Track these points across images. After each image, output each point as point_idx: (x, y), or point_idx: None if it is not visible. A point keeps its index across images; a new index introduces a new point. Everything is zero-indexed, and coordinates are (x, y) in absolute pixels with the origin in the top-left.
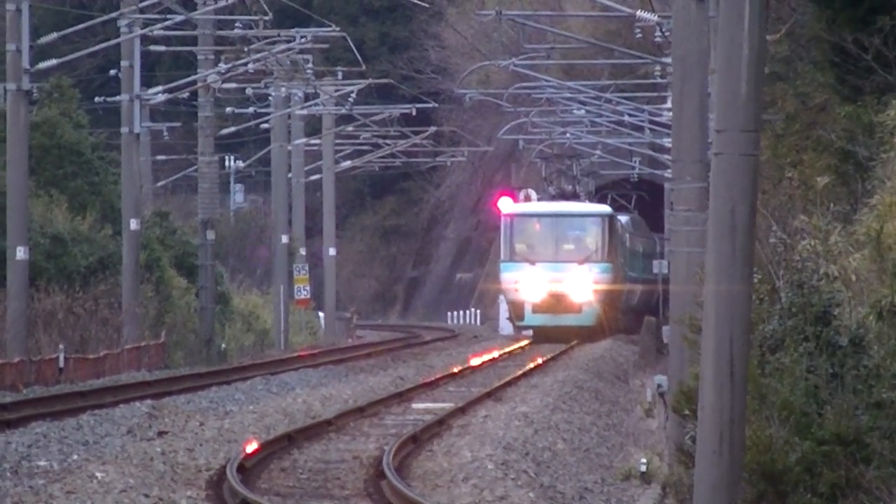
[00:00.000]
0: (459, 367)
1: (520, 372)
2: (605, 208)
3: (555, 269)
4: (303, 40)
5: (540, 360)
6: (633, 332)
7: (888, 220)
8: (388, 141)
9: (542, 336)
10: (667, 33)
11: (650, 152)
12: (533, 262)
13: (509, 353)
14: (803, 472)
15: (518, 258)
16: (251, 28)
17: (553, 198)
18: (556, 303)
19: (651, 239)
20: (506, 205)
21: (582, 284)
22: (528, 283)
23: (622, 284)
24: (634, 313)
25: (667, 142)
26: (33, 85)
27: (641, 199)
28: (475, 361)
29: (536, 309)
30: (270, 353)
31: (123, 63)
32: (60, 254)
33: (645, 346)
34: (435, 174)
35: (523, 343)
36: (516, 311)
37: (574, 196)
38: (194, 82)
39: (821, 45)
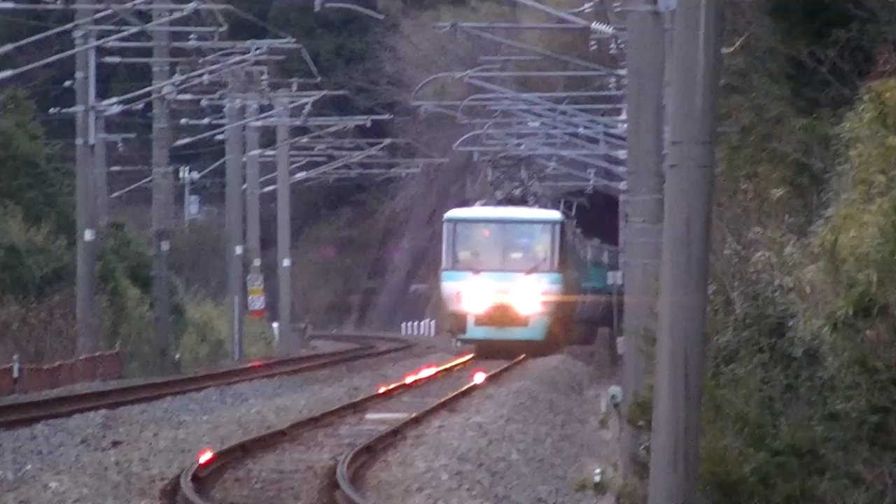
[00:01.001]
0: (414, 378)
1: (473, 383)
2: (555, 214)
3: (500, 278)
4: (258, 52)
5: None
6: (586, 343)
7: (843, 232)
8: (343, 152)
9: (486, 350)
10: (622, 45)
11: (605, 164)
12: (477, 272)
13: (452, 368)
14: (758, 484)
15: (461, 267)
16: (206, 40)
17: (500, 203)
18: (501, 315)
19: (599, 247)
20: (450, 210)
21: (529, 296)
22: (471, 293)
23: (573, 296)
24: (586, 324)
25: (622, 154)
26: None
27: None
28: (427, 372)
29: (480, 321)
30: (225, 363)
31: (78, 74)
32: (15, 264)
33: (599, 357)
34: (390, 186)
35: (465, 358)
36: (458, 324)
37: (522, 202)
38: (149, 94)
39: (777, 58)
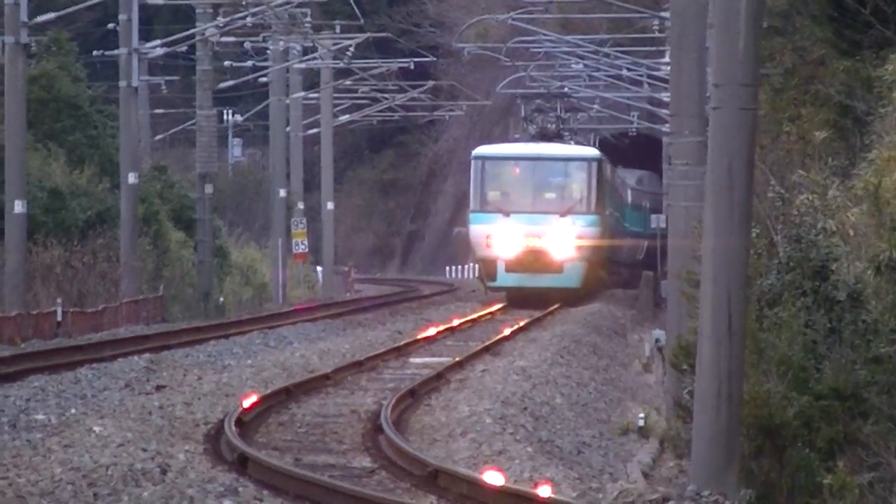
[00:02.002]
0: (458, 321)
1: (517, 326)
2: (593, 151)
3: (532, 221)
4: None
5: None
6: (628, 287)
7: (886, 174)
8: (386, 95)
9: (518, 299)
10: None
11: (648, 107)
12: (507, 213)
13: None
14: (801, 427)
15: (490, 208)
16: None
17: (532, 139)
18: (534, 260)
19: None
20: (478, 147)
21: (564, 239)
22: (501, 237)
23: (611, 239)
24: (628, 268)
25: (665, 97)
26: (31, 38)
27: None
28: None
29: (511, 267)
30: (268, 307)
31: (121, 17)
32: (58, 208)
33: (643, 301)
34: (433, 128)
35: (493, 308)
36: (487, 270)
37: (557, 137)
38: (192, 36)
39: (819, 0)
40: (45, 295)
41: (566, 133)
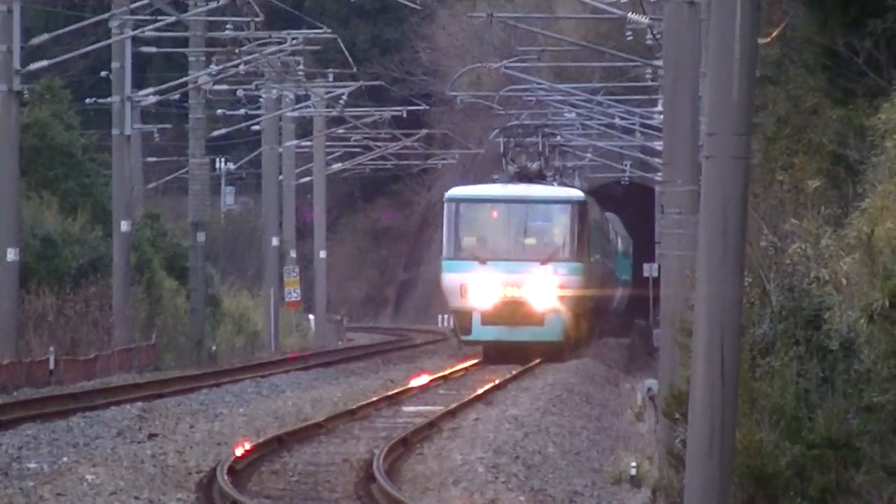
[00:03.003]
0: (450, 370)
1: (509, 375)
2: (576, 193)
3: (511, 269)
4: (294, 42)
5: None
6: (619, 336)
7: (879, 223)
8: (379, 143)
9: (495, 354)
10: (658, 36)
11: (641, 155)
12: (483, 261)
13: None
14: (794, 476)
15: (464, 255)
16: (242, 29)
17: (511, 179)
18: (513, 312)
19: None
20: (452, 189)
21: (545, 289)
22: (476, 286)
23: (597, 287)
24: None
25: (657, 145)
26: (24, 86)
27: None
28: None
29: (487, 319)
30: (261, 355)
31: (114, 64)
32: (51, 255)
33: (634, 349)
34: (426, 176)
35: (467, 363)
36: (462, 322)
37: (539, 177)
38: (185, 84)
39: (812, 48)
40: (37, 343)
41: (550, 173)
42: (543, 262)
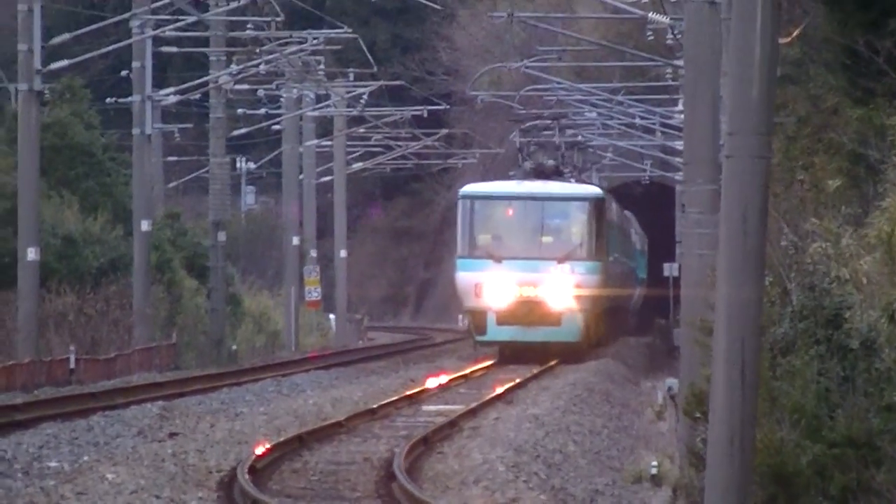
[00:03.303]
0: (471, 369)
1: (530, 374)
2: (594, 190)
3: (527, 268)
4: (315, 42)
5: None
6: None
7: None
8: (399, 143)
9: (510, 354)
10: (679, 35)
11: (661, 155)
12: (499, 260)
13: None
14: (814, 475)
15: (479, 254)
16: (263, 29)
17: (528, 175)
18: (529, 312)
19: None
20: (466, 185)
21: (562, 288)
22: (491, 285)
23: (615, 288)
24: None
25: (678, 144)
26: (45, 85)
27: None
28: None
29: (502, 319)
30: (281, 354)
31: (135, 64)
32: (72, 255)
33: (655, 348)
34: (446, 176)
35: (483, 364)
36: (476, 322)
37: (556, 173)
38: (206, 83)
39: (832, 48)
40: (58, 342)
41: (567, 170)
42: (560, 260)
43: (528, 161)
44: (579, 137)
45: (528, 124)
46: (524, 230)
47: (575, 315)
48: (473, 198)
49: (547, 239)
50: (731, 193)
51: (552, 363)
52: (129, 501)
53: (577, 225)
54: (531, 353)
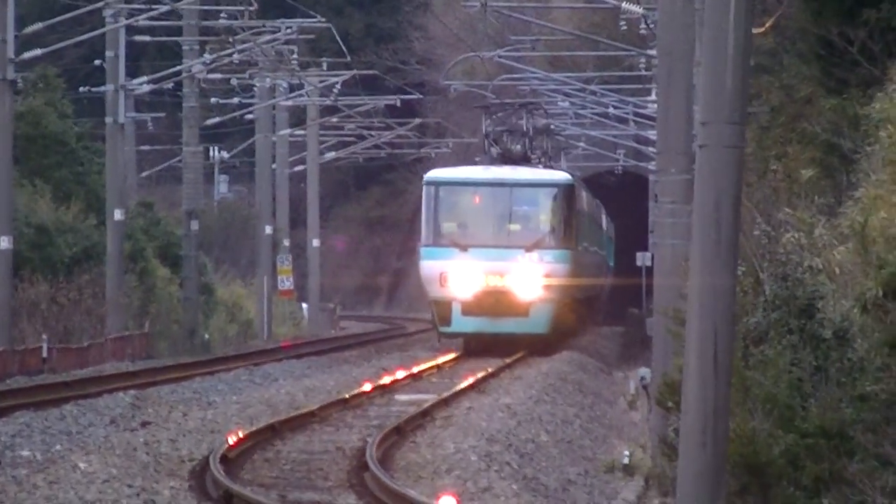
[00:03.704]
0: (444, 360)
1: (502, 364)
2: (564, 175)
3: (494, 256)
4: (288, 31)
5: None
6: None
7: (872, 213)
8: (372, 132)
9: (476, 346)
10: (652, 25)
11: (635, 144)
12: (464, 248)
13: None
14: (787, 465)
15: (444, 242)
16: (236, 18)
17: (495, 161)
18: (495, 302)
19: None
20: (431, 171)
21: (530, 278)
22: (457, 274)
23: (586, 278)
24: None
25: (651, 134)
26: (18, 75)
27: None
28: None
29: (468, 310)
30: (254, 343)
31: (108, 53)
32: (45, 244)
33: (628, 338)
34: (420, 165)
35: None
36: (441, 313)
37: (524, 159)
38: (179, 73)
39: (806, 38)
40: (30, 331)
41: (535, 155)
42: (528, 249)
43: (494, 147)
44: (550, 125)
45: (492, 102)
46: (491, 217)
47: (543, 306)
48: (438, 184)
49: (514, 227)
50: (704, 183)
51: (519, 355)
52: (101, 490)
53: (546, 212)
54: (497, 345)
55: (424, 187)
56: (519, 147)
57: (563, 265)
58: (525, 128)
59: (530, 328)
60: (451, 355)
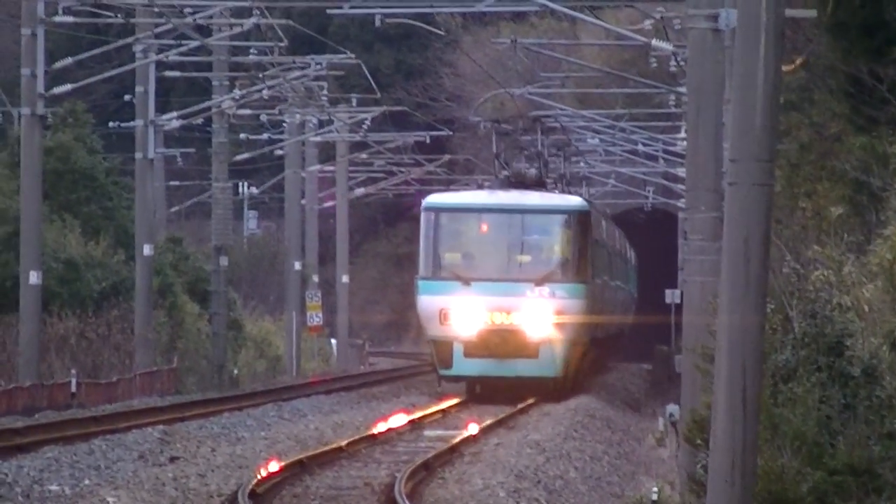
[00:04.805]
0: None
1: (531, 400)
2: (578, 201)
3: (500, 291)
4: (318, 67)
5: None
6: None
7: None
8: (402, 168)
9: (479, 391)
10: (682, 62)
11: (664, 181)
12: (467, 282)
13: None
14: (815, 503)
15: (445, 274)
16: (266, 54)
17: (503, 185)
18: (501, 342)
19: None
20: (430, 195)
21: (540, 315)
22: (459, 311)
23: (604, 314)
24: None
25: (680, 171)
26: (48, 110)
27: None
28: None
29: (471, 351)
30: (282, 379)
31: (138, 88)
32: (73, 279)
33: (656, 374)
34: None
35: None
36: (441, 354)
37: (538, 183)
38: (209, 108)
39: (836, 76)
40: (59, 366)
41: (551, 179)
42: (538, 283)
43: (505, 169)
44: (568, 143)
45: (507, 130)
46: (497, 247)
47: (555, 346)
48: (439, 209)
49: (523, 258)
50: (733, 220)
51: (528, 402)
52: None
53: (558, 241)
54: (503, 389)
55: (423, 213)
56: (533, 170)
57: (578, 300)
58: (539, 146)
59: (540, 371)
60: (454, 400)
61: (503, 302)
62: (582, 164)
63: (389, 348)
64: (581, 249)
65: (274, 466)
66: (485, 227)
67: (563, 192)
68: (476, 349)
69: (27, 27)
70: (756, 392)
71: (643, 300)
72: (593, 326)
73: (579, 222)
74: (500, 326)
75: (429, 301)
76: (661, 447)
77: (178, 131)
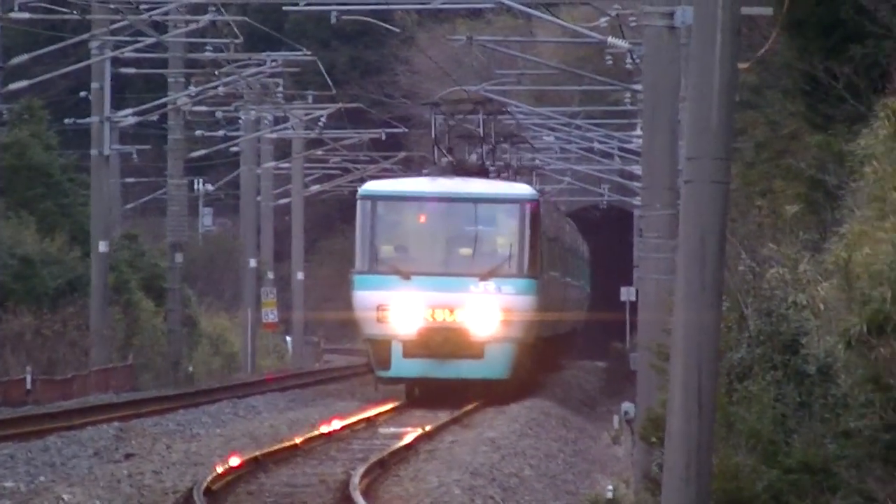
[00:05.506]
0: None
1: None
2: (527, 190)
3: (442, 286)
4: (273, 64)
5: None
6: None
7: (857, 249)
8: (357, 165)
9: (419, 394)
10: (638, 60)
11: (619, 179)
12: (406, 276)
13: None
14: (770, 501)
15: (382, 268)
16: (222, 51)
17: (445, 172)
18: (443, 341)
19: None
20: (367, 183)
21: (486, 312)
22: (397, 308)
23: (555, 311)
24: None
25: (636, 169)
26: (4, 106)
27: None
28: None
29: (411, 351)
30: (238, 376)
31: (94, 85)
32: (29, 275)
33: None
34: None
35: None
36: (378, 354)
37: (481, 171)
38: (164, 105)
39: (792, 74)
40: (14, 362)
41: (494, 167)
42: (483, 277)
43: (446, 156)
44: (514, 130)
45: (448, 112)
46: (438, 239)
47: (502, 346)
48: (375, 198)
49: (467, 251)
50: (689, 218)
51: (470, 406)
52: None
53: (506, 233)
54: (446, 392)
55: (359, 202)
56: (474, 156)
57: (526, 296)
58: (482, 132)
59: (486, 373)
60: (391, 405)
61: (445, 298)
62: (536, 161)
63: (344, 345)
64: (530, 242)
65: (235, 461)
66: (425, 218)
67: (510, 180)
68: (416, 349)
69: None
70: (711, 390)
71: (598, 298)
72: (544, 324)
73: (528, 213)
74: (443, 324)
75: (365, 297)
76: (616, 445)
77: (133, 128)
